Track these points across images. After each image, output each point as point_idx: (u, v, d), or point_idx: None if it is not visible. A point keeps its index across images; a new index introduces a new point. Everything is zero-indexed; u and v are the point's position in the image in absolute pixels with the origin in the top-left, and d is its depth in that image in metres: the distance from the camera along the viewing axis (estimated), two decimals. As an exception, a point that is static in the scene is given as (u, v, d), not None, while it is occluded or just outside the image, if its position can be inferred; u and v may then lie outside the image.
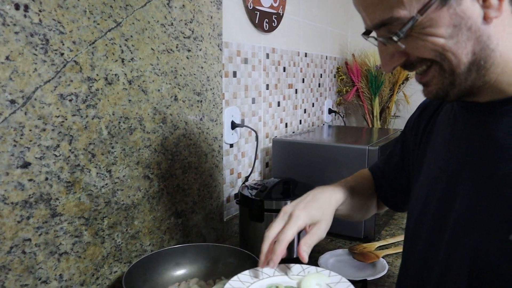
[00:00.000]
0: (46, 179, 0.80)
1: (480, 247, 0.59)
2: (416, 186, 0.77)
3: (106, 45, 0.89)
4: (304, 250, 0.73)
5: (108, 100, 0.91)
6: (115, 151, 0.93)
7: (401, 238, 1.35)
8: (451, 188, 0.65)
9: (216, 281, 0.95)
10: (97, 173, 0.90)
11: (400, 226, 1.49)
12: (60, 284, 0.84)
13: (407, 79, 2.23)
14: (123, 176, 0.96)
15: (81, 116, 0.85)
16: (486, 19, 0.54)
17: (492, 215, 0.58)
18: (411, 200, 0.79)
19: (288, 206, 0.78)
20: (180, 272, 0.96)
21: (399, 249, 1.26)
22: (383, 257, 1.20)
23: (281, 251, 0.71)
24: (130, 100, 0.96)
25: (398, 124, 2.35)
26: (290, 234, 0.72)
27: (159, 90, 1.03)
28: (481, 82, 0.58)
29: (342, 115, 2.39)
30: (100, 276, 0.93)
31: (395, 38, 0.56)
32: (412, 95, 2.29)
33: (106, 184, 0.92)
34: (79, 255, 0.87)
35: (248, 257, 0.89)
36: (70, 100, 0.83)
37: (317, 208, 0.78)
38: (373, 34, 0.62)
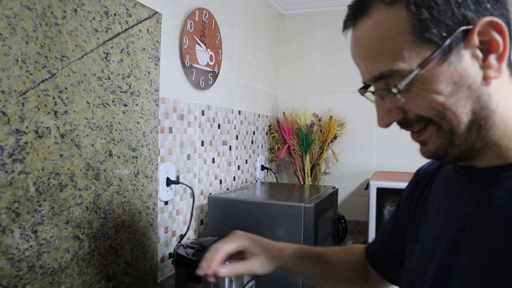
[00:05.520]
0: (-39, 242, 0.71)
1: None
2: (412, 256, 0.72)
3: (39, 96, 0.84)
4: (223, 267, 0.76)
5: (38, 155, 0.84)
6: (42, 210, 0.86)
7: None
8: (448, 258, 0.61)
9: None
10: (20, 234, 0.81)
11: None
12: None
13: (335, 137, 2.33)
14: (50, 237, 0.88)
15: (6, 171, 0.78)
16: (485, 79, 0.53)
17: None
18: (407, 270, 0.73)
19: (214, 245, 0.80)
20: None
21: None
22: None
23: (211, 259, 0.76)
24: (61, 155, 0.90)
25: (328, 180, 2.42)
26: (225, 247, 0.76)
27: (93, 145, 0.99)
28: (481, 144, 0.56)
29: (274, 172, 2.42)
30: None
31: (394, 91, 0.55)
32: (340, 153, 2.39)
33: (31, 246, 0.84)
34: (-6, 329, 0.77)
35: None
36: (-5, 154, 0.76)
37: (261, 241, 0.78)
38: (371, 88, 0.61)
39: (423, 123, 0.57)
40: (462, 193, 0.62)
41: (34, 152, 0.83)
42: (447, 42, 0.52)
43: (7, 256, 0.79)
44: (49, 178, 0.87)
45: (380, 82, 0.57)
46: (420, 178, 0.79)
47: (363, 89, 0.62)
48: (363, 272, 0.88)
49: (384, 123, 0.60)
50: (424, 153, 0.60)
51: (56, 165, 0.89)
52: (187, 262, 1.09)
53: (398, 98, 0.56)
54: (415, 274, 0.68)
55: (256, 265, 0.78)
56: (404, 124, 0.59)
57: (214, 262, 0.77)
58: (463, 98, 0.53)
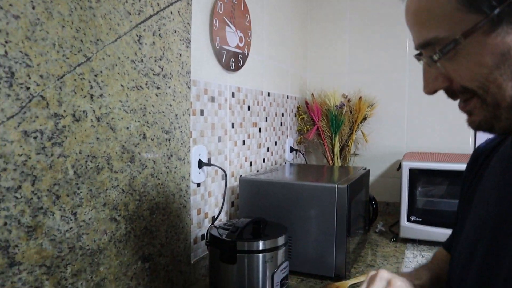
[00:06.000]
0: (5, 224, 0.73)
1: None
2: (463, 231, 0.71)
3: (75, 80, 0.85)
4: None
5: (75, 138, 0.85)
6: (81, 192, 0.87)
7: (371, 276, 1.34)
8: (497, 239, 0.59)
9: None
10: (61, 216, 0.83)
11: (368, 264, 1.49)
12: None
13: (365, 118, 2.30)
14: (89, 218, 0.90)
15: (46, 155, 0.79)
16: None
17: None
18: (456, 245, 0.73)
19: (383, 272, 0.73)
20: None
21: None
22: (356, 297, 1.18)
23: None
24: (98, 138, 0.91)
25: (357, 162, 2.39)
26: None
27: (127, 128, 0.99)
28: None
29: (303, 153, 2.41)
30: (61, 330, 0.84)
31: (435, 57, 0.54)
32: (370, 134, 2.35)
33: (71, 228, 0.85)
34: (39, 307, 0.79)
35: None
36: (35, 138, 0.77)
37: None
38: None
39: (467, 94, 0.56)
40: None
41: (72, 135, 0.85)
42: (496, 11, 0.50)
43: (49, 237, 0.81)
44: (86, 161, 0.88)
45: (427, 49, 0.57)
46: (478, 156, 0.77)
47: (417, 56, 0.61)
48: None
49: (429, 90, 0.60)
50: (470, 124, 0.59)
51: (93, 148, 0.90)
52: (220, 243, 1.10)
53: (439, 66, 0.55)
54: (465, 252, 0.67)
55: None
56: (449, 93, 0.59)
57: None
58: (509, 72, 0.51)
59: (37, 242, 0.78)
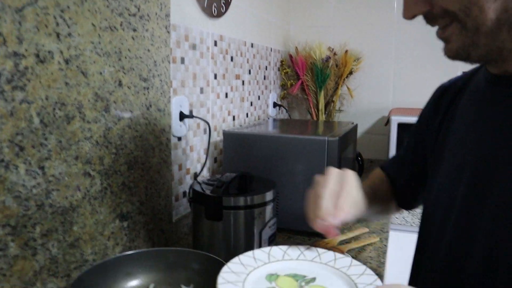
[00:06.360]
0: (-39, 178, 0.63)
1: None
2: (438, 176, 0.69)
3: (37, 14, 0.73)
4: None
5: (40, 82, 0.75)
6: (49, 144, 0.78)
7: (360, 231, 1.30)
8: (484, 174, 0.58)
9: (174, 291, 0.83)
10: (26, 170, 0.74)
11: (356, 220, 1.45)
12: (-19, 308, 0.68)
13: (351, 73, 2.22)
14: (59, 173, 0.80)
15: (6, 100, 0.69)
16: None
17: None
18: (430, 192, 0.71)
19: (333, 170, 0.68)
20: (132, 283, 0.82)
21: (361, 243, 1.21)
22: (347, 252, 1.13)
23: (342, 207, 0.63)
24: (67, 83, 0.80)
25: (342, 118, 2.33)
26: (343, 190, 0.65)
27: (101, 73, 0.89)
28: None
29: (286, 109, 2.33)
30: (32, 294, 0.77)
31: None
32: (355, 89, 2.28)
33: (38, 184, 0.76)
34: (3, 272, 0.71)
35: (214, 261, 0.78)
36: (-9, 80, 0.66)
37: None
38: None
39: (448, 19, 0.54)
40: (498, 105, 0.58)
41: (36, 79, 0.74)
42: None
43: (13, 194, 0.72)
44: (54, 109, 0.78)
45: None
46: (444, 93, 0.74)
47: None
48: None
49: (409, 14, 0.57)
50: (447, 52, 0.57)
51: (62, 94, 0.79)
52: (205, 199, 1.02)
53: None
54: (443, 192, 0.66)
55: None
56: (429, 18, 0.56)
57: (341, 211, 0.63)
58: None
59: (-1, 199, 0.69)
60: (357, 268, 0.60)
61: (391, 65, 2.24)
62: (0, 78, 0.68)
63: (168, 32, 1.12)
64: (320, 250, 0.65)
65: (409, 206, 0.91)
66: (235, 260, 0.61)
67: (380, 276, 1.04)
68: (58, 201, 0.81)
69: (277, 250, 0.64)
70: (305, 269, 0.61)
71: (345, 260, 0.62)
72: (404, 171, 0.87)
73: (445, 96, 0.73)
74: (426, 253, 0.71)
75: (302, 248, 0.65)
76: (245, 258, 0.61)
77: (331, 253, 0.64)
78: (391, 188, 0.89)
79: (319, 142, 1.23)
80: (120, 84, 0.94)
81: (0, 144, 0.68)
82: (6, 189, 0.70)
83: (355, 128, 1.64)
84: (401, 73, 2.22)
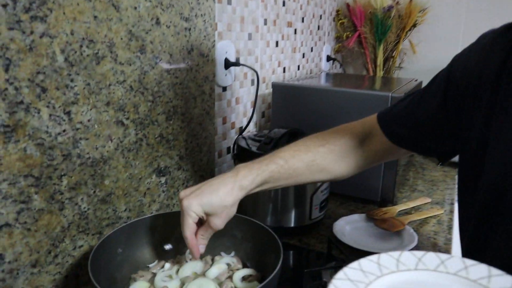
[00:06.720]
0: (-27, 120, 0.55)
1: None
2: (500, 144, 0.56)
3: None
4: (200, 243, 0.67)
5: (64, 13, 0.64)
6: (75, 86, 0.68)
7: (421, 201, 1.16)
8: None
9: (214, 259, 0.73)
10: (50, 115, 0.65)
11: (414, 188, 1.30)
12: (1, 267, 0.61)
13: (414, 25, 2.00)
14: (88, 120, 0.71)
15: (23, 32, 0.59)
16: None
17: None
18: (494, 160, 0.57)
19: (182, 192, 0.67)
20: (166, 247, 0.74)
21: (423, 215, 1.07)
22: (408, 224, 1.00)
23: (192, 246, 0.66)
24: (96, 17, 0.70)
25: (402, 75, 2.13)
26: (186, 232, 0.65)
27: (135, 8, 0.77)
28: None
29: (340, 63, 2.15)
30: (60, 253, 0.70)
31: None
32: (418, 44, 2.07)
33: (64, 131, 0.67)
34: (27, 227, 0.64)
35: (259, 228, 0.68)
36: (4, 6, 0.56)
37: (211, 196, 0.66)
38: None
39: None
40: None
41: (59, 9, 0.63)
42: None
43: (35, 141, 0.63)
44: (81, 46, 0.68)
45: None
46: (493, 46, 0.58)
47: None
48: (351, 156, 0.80)
49: None
50: None
51: (90, 29, 0.69)
52: (251, 156, 0.91)
53: None
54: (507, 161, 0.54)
55: (219, 224, 0.67)
56: None
57: (195, 247, 0.67)
58: None
59: (18, 147, 0.61)
60: (501, 279, 0.43)
61: (462, 18, 2.00)
62: (16, 5, 0.58)
63: (214, -34, 0.99)
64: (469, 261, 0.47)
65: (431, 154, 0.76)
66: (354, 265, 0.46)
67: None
68: (87, 151, 0.72)
69: (410, 257, 0.48)
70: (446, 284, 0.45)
71: (480, 269, 0.45)
72: (420, 120, 0.72)
73: (496, 48, 0.58)
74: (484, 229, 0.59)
75: (442, 256, 0.48)
76: (367, 263, 0.47)
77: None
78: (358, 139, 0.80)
79: (382, 98, 1.08)
80: (157, 22, 0.83)
81: (18, 83, 0.59)
82: (27, 135, 0.62)
83: (419, 86, 1.46)
84: (473, 27, 1.98)
